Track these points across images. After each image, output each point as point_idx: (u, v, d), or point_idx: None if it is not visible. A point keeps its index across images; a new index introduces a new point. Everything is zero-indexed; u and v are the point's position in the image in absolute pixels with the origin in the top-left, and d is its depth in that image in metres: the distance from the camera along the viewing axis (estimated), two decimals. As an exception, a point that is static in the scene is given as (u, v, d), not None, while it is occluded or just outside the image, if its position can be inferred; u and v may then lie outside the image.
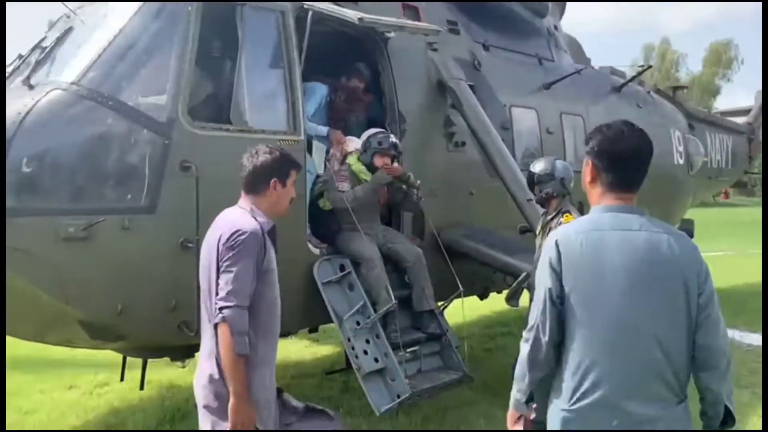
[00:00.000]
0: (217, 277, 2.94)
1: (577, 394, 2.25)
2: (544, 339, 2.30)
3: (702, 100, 55.46)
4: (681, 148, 9.69)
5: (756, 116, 14.80)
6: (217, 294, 2.92)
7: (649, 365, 2.21)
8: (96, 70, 4.20)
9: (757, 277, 12.89)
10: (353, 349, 4.57)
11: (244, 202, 3.19)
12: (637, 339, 2.21)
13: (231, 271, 2.90)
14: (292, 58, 4.88)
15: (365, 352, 4.54)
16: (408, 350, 4.77)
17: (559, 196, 4.97)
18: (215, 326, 2.93)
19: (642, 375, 2.21)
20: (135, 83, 4.30)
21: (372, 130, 5.31)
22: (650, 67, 11.84)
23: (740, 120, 14.59)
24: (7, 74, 4.77)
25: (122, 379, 5.37)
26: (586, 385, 2.23)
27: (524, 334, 2.39)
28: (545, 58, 7.81)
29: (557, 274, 2.28)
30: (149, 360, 5.36)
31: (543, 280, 2.31)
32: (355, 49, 5.82)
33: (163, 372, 6.32)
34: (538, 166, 4.99)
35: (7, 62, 4.89)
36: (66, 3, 4.71)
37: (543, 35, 8.07)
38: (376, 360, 4.54)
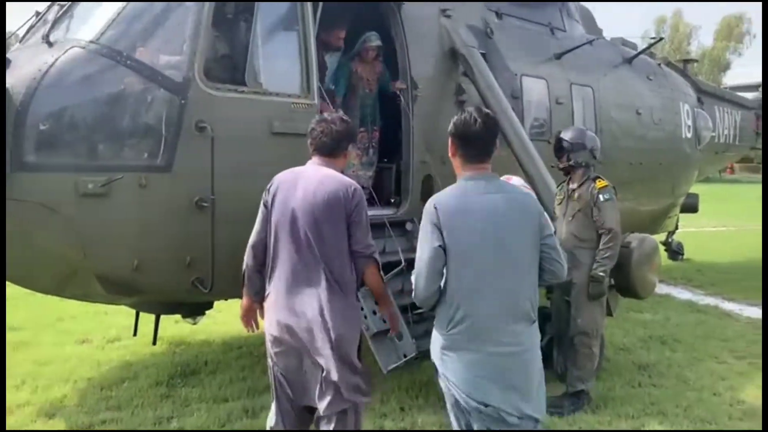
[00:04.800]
0: (340, 229, 3.26)
1: (451, 324, 2.82)
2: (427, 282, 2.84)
3: (712, 74, 54.91)
4: (689, 122, 9.68)
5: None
6: (352, 242, 3.29)
7: (505, 296, 2.79)
8: (115, 29, 4.25)
9: (759, 253, 13.03)
10: (362, 309, 4.67)
11: (325, 162, 3.42)
12: (494, 278, 2.78)
13: (365, 223, 3.32)
14: (307, 21, 4.90)
15: (374, 313, 4.64)
16: (415, 312, 4.88)
17: (586, 166, 5.07)
18: (357, 269, 3.33)
19: (500, 304, 2.78)
20: (153, 43, 4.35)
21: None
22: (662, 39, 11.79)
23: (750, 95, 14.53)
24: (23, 32, 4.81)
25: (135, 333, 5.51)
26: (458, 316, 2.80)
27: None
28: (557, 27, 7.77)
29: (439, 230, 2.81)
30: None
31: (428, 237, 2.83)
32: (368, 13, 5.82)
33: (174, 329, 6.47)
34: (569, 135, 5.08)
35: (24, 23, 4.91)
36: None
37: (555, 4, 8.01)
38: (384, 321, 4.64)
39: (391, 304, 3.61)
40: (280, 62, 4.88)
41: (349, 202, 3.25)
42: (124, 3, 4.34)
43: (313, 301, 3.23)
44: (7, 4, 4.87)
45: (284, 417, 3.42)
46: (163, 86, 4.23)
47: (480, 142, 2.92)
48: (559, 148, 5.24)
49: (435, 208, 2.85)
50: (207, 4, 4.40)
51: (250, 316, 3.56)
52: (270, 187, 3.42)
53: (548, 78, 7.14)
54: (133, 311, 5.51)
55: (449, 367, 2.85)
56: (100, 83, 4.10)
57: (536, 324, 2.92)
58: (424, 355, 4.73)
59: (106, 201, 4.04)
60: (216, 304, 5.40)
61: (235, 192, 4.39)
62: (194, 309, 5.33)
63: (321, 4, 5.02)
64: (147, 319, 5.53)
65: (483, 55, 6.06)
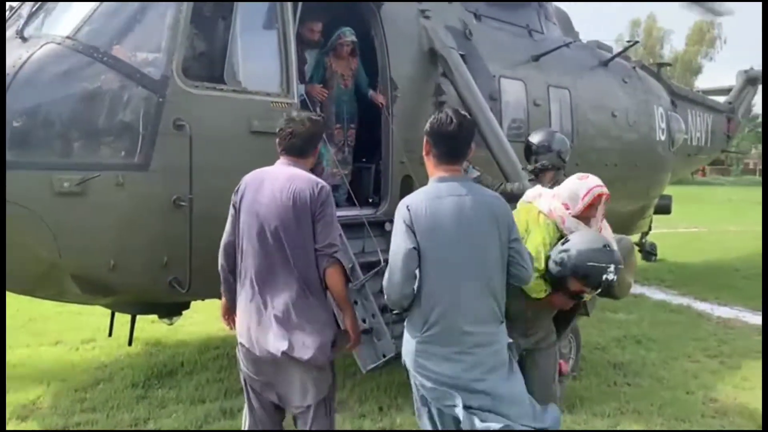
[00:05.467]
0: (306, 228, 3.20)
1: (426, 326, 2.83)
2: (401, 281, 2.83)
3: (684, 77, 55.81)
4: (663, 125, 9.83)
5: (736, 96, 15.02)
6: (315, 240, 3.21)
7: (476, 298, 2.83)
8: (91, 24, 4.19)
9: (729, 254, 13.30)
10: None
11: (293, 162, 3.36)
12: (465, 280, 2.81)
13: (330, 221, 3.24)
14: (287, 20, 4.88)
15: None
16: (395, 311, 4.89)
17: (554, 168, 5.09)
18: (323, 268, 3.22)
19: (472, 305, 2.82)
20: (130, 39, 4.30)
21: None
22: (637, 42, 11.96)
23: (721, 99, 14.81)
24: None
25: (110, 334, 5.43)
26: (432, 318, 2.82)
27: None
28: (535, 29, 7.84)
29: (413, 231, 2.82)
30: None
31: (402, 238, 2.83)
32: (348, 13, 5.81)
33: (150, 329, 6.39)
34: (536, 137, 5.10)
35: None
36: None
37: (533, 6, 8.09)
38: (364, 320, 4.64)
39: (351, 313, 3.38)
40: (260, 61, 4.85)
41: (315, 201, 3.21)
42: (101, -1, 4.28)
43: (281, 302, 3.20)
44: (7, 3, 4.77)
45: (257, 419, 3.41)
46: (141, 84, 4.18)
47: (454, 142, 2.93)
48: (527, 150, 5.24)
49: (408, 209, 2.85)
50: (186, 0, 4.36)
51: (229, 316, 3.55)
52: (238, 188, 3.38)
53: (526, 80, 7.19)
54: (108, 311, 5.44)
55: (421, 371, 2.87)
56: (76, 80, 4.04)
57: (504, 325, 2.96)
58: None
59: (82, 200, 3.98)
60: (193, 304, 5.34)
61: (214, 191, 4.34)
62: (171, 309, 5.27)
63: (300, 3, 5.01)
64: (122, 320, 5.46)
65: (462, 56, 6.08)
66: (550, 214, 3.71)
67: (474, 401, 2.83)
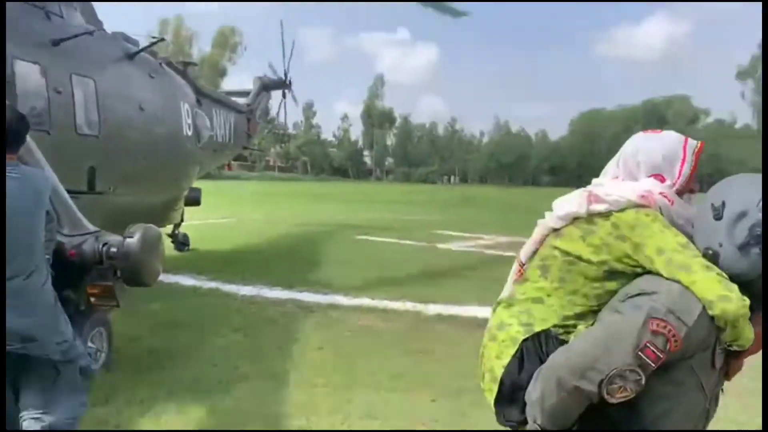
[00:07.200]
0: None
1: None
2: None
3: (212, 78, 59.47)
4: (190, 121, 10.40)
5: (254, 99, 16.87)
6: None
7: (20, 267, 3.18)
8: None
9: (255, 239, 14.90)
10: None
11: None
12: (16, 245, 3.15)
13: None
14: None
15: None
16: None
17: None
18: None
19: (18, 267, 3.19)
20: None
21: None
22: (164, 39, 12.32)
23: (242, 100, 16.41)
24: None
25: None
26: None
27: None
28: (53, 12, 7.37)
29: None
30: None
31: None
32: None
33: None
34: None
35: None
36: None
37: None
38: None
39: None
40: None
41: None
42: None
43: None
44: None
45: None
46: None
47: (12, 136, 3.30)
48: None
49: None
50: None
51: None
52: None
53: (45, 64, 6.73)
54: None
55: None
56: None
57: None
58: None
59: None
60: None
61: None
62: None
63: None
64: None
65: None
66: (647, 201, 2.23)
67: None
